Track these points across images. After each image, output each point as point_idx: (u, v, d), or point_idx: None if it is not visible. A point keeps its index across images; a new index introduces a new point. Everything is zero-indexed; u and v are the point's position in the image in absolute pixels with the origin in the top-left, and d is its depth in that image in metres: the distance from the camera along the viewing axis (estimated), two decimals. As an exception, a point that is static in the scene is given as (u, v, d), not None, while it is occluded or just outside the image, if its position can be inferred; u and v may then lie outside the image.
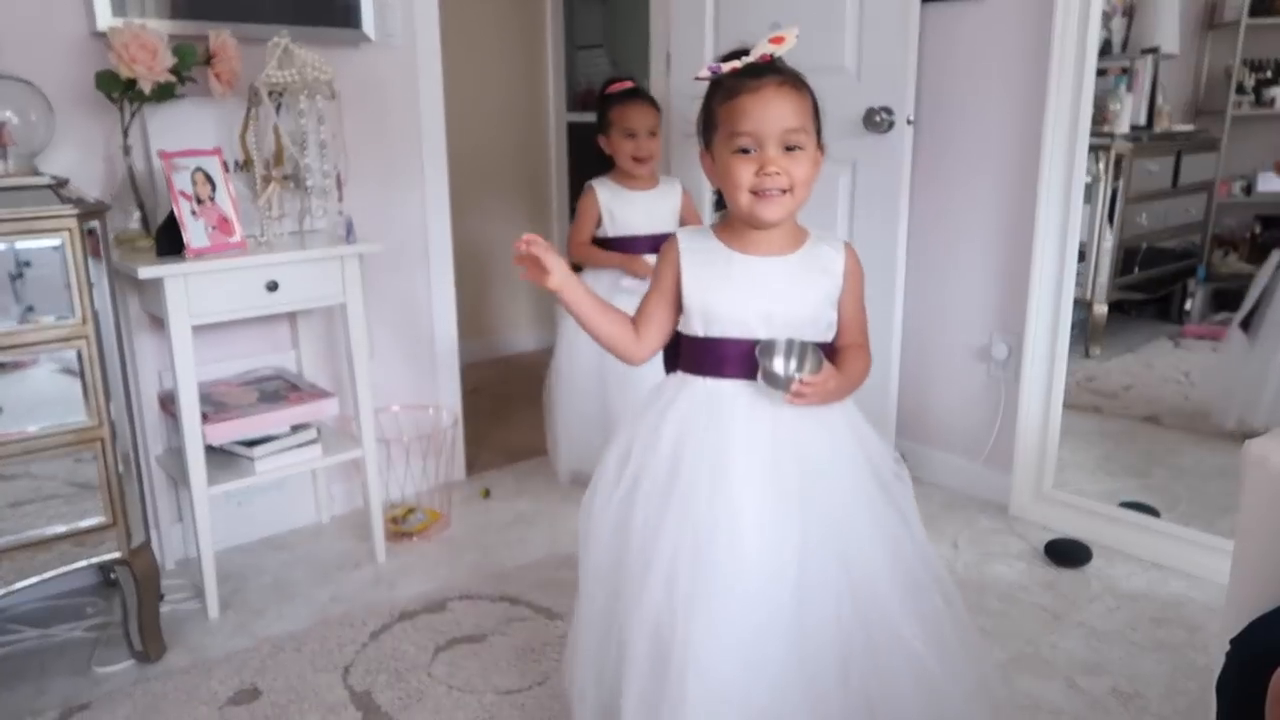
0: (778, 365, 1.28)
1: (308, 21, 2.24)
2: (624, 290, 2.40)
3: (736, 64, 1.26)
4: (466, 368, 3.99)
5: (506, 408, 3.46)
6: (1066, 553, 2.24)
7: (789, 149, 1.24)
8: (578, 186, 2.70)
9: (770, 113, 1.22)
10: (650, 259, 2.35)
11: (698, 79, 1.31)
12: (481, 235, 4.04)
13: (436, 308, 2.64)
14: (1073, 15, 2.22)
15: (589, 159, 4.28)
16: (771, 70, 1.25)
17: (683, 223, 2.56)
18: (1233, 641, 1.21)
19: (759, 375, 1.27)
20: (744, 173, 1.25)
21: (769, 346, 1.28)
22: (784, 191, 1.25)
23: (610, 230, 2.55)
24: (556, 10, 4.06)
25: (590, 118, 2.68)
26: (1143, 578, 2.17)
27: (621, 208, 2.54)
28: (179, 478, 2.09)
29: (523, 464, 2.89)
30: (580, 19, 6.43)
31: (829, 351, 1.34)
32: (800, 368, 1.28)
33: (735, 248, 1.32)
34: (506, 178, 4.07)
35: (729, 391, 1.30)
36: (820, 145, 1.30)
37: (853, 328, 1.38)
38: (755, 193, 1.25)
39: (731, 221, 1.34)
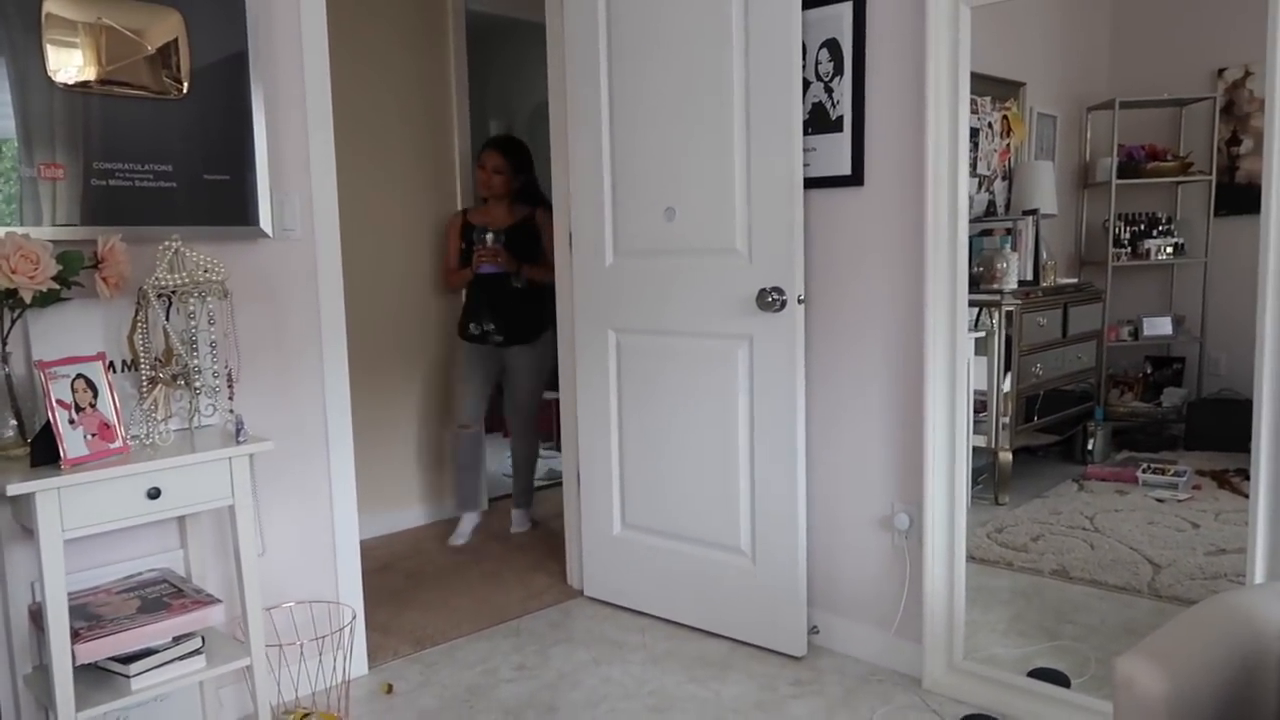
0: None
1: (202, 221, 2.25)
2: None
3: None
4: (378, 541, 3.90)
5: (418, 585, 3.34)
6: (979, 730, 2.21)
7: None
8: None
9: None
10: None
11: None
12: (394, 402, 4.01)
13: (337, 496, 2.57)
14: (943, 195, 2.35)
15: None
16: None
17: None
18: None
19: None
20: None
21: None
22: None
23: None
24: (467, 178, 4.17)
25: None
26: (1056, 754, 2.15)
27: None
28: (46, 703, 1.95)
29: (431, 651, 2.78)
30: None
31: None
32: None
33: None
34: (417, 338, 4.08)
35: None
36: None
37: None
38: None
39: None
